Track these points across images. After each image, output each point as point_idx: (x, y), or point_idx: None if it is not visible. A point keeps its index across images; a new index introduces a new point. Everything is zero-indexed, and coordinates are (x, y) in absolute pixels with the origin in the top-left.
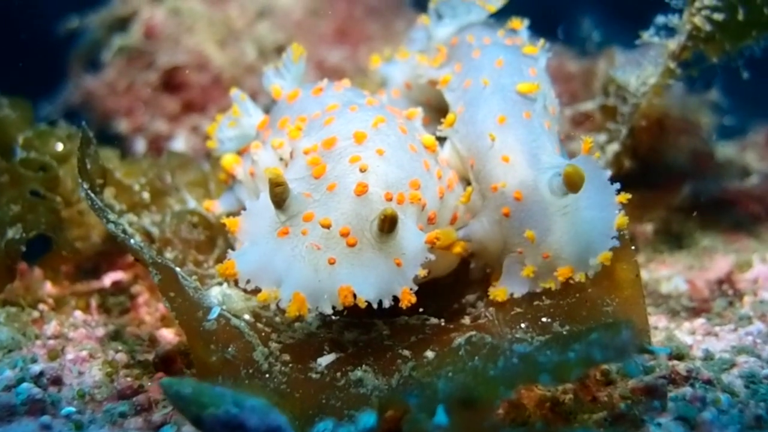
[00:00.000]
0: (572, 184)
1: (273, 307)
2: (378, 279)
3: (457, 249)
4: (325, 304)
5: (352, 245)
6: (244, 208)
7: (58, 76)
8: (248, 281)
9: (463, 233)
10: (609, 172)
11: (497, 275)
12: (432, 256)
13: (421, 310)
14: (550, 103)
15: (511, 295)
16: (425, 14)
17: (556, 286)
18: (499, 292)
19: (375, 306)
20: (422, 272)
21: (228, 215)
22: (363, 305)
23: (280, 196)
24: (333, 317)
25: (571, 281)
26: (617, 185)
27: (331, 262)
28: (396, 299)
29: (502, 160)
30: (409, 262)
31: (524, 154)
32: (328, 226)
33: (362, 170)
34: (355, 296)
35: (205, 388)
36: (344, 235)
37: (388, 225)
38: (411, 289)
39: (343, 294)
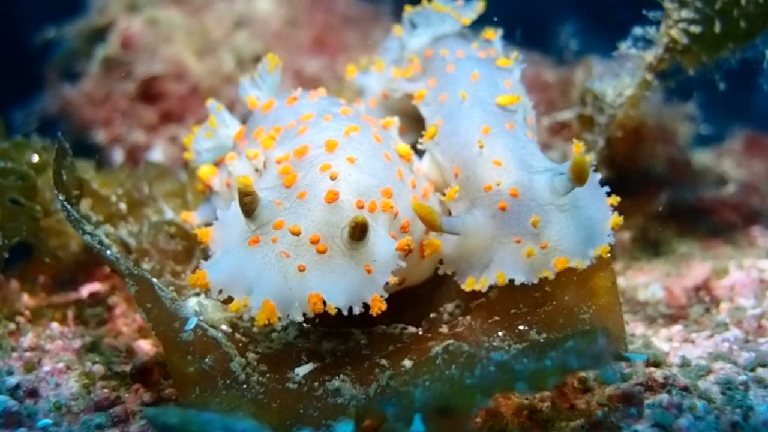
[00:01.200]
0: (579, 172)
1: (247, 317)
2: (348, 286)
3: (428, 250)
4: (295, 311)
5: (322, 252)
6: (217, 219)
7: (33, 86)
8: (220, 291)
9: (449, 223)
10: (600, 175)
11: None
12: (403, 263)
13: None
14: (528, 114)
15: (511, 281)
16: (400, 24)
17: (552, 275)
18: (499, 275)
19: (345, 313)
20: (393, 279)
21: (205, 226)
22: (333, 312)
23: (249, 205)
24: (310, 327)
25: (548, 289)
26: (607, 188)
27: (301, 270)
28: (366, 306)
29: (494, 164)
30: (380, 268)
31: (515, 160)
32: (297, 234)
33: (333, 178)
34: (325, 303)
35: (192, 416)
36: (314, 242)
37: (359, 232)
38: (381, 297)
39: (312, 301)
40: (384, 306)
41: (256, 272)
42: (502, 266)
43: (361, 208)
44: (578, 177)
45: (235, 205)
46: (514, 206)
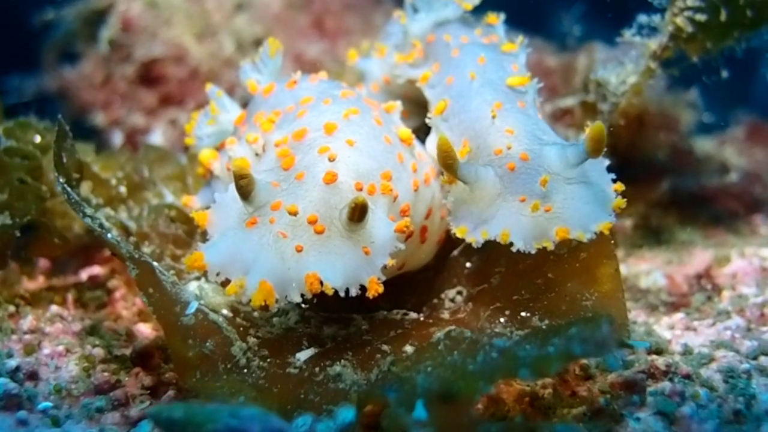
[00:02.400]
0: (597, 141)
1: (245, 299)
2: (345, 267)
3: (447, 179)
4: (293, 292)
5: (319, 233)
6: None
7: (30, 68)
8: (218, 273)
9: (465, 168)
10: (608, 161)
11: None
12: (402, 246)
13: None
14: (536, 97)
15: (511, 243)
16: (402, 9)
17: (551, 246)
18: (503, 233)
19: (342, 294)
20: (391, 262)
21: (204, 210)
22: (330, 292)
23: (245, 187)
24: (311, 312)
25: (551, 276)
26: (613, 174)
27: (299, 250)
28: (364, 289)
29: (506, 132)
30: (378, 250)
31: (527, 133)
32: (295, 213)
33: (331, 159)
34: (322, 284)
35: (197, 408)
36: (312, 222)
37: (359, 213)
38: (379, 279)
39: (309, 281)
40: (381, 288)
41: (253, 253)
42: (505, 223)
43: (360, 190)
44: (595, 146)
45: (232, 188)
46: (523, 168)
